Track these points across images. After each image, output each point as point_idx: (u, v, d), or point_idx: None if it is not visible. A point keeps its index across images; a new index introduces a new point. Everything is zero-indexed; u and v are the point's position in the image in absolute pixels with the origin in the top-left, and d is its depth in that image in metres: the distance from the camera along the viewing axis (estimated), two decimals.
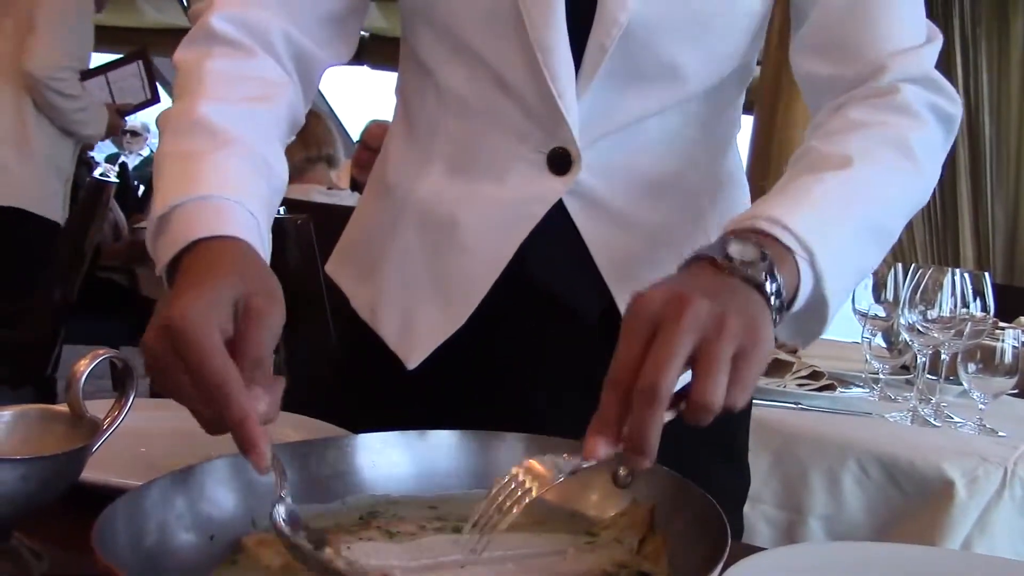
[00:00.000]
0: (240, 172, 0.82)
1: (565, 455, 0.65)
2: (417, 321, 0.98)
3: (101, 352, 0.68)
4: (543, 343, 0.99)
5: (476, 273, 0.95)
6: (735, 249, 0.72)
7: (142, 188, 6.26)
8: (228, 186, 0.79)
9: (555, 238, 0.94)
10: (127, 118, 3.86)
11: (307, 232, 2.38)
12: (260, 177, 0.84)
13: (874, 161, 0.84)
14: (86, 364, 0.67)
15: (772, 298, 0.71)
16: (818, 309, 0.80)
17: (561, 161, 0.93)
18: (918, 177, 0.89)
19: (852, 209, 0.82)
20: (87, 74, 3.51)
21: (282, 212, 2.58)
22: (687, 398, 0.63)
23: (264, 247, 0.79)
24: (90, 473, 0.71)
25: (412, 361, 0.97)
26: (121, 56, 3.86)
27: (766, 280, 0.71)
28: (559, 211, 0.94)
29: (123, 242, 4.69)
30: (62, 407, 0.70)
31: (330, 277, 1.10)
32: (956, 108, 0.92)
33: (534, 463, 0.65)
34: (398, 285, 1.00)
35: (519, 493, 0.64)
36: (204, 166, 0.81)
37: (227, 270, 0.71)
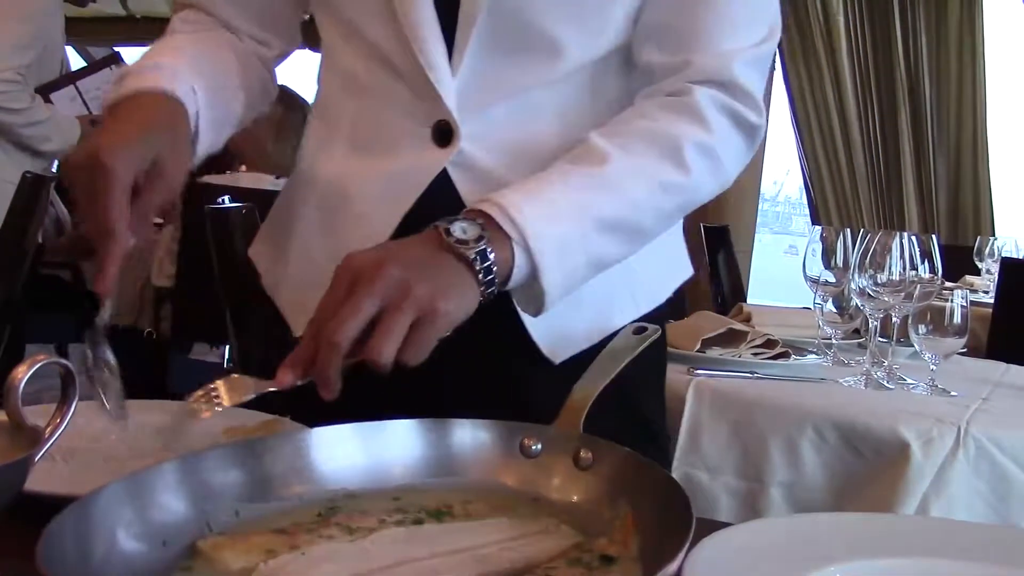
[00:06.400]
0: (191, 55, 0.96)
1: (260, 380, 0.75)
2: (309, 294, 0.97)
3: (41, 357, 0.66)
4: None
5: (366, 243, 0.95)
6: (457, 227, 0.81)
7: None
8: (169, 57, 0.94)
9: (439, 207, 0.94)
10: None
11: (252, 220, 2.35)
12: (207, 64, 0.96)
13: (632, 161, 0.90)
14: (24, 371, 0.64)
15: (481, 275, 0.80)
16: (536, 292, 0.86)
17: (444, 133, 0.97)
18: (683, 181, 0.92)
19: (589, 207, 0.88)
20: (51, 86, 3.29)
21: (227, 201, 2.54)
22: (362, 350, 0.73)
23: (193, 114, 0.91)
24: (35, 483, 0.68)
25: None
26: (87, 64, 3.67)
27: (475, 260, 0.80)
28: (444, 181, 0.97)
29: (67, 237, 4.58)
30: (1, 416, 0.67)
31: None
32: (759, 118, 0.96)
33: (230, 381, 0.75)
34: (301, 261, 1.04)
35: (214, 401, 0.74)
36: (159, 52, 0.96)
37: (160, 123, 0.85)
